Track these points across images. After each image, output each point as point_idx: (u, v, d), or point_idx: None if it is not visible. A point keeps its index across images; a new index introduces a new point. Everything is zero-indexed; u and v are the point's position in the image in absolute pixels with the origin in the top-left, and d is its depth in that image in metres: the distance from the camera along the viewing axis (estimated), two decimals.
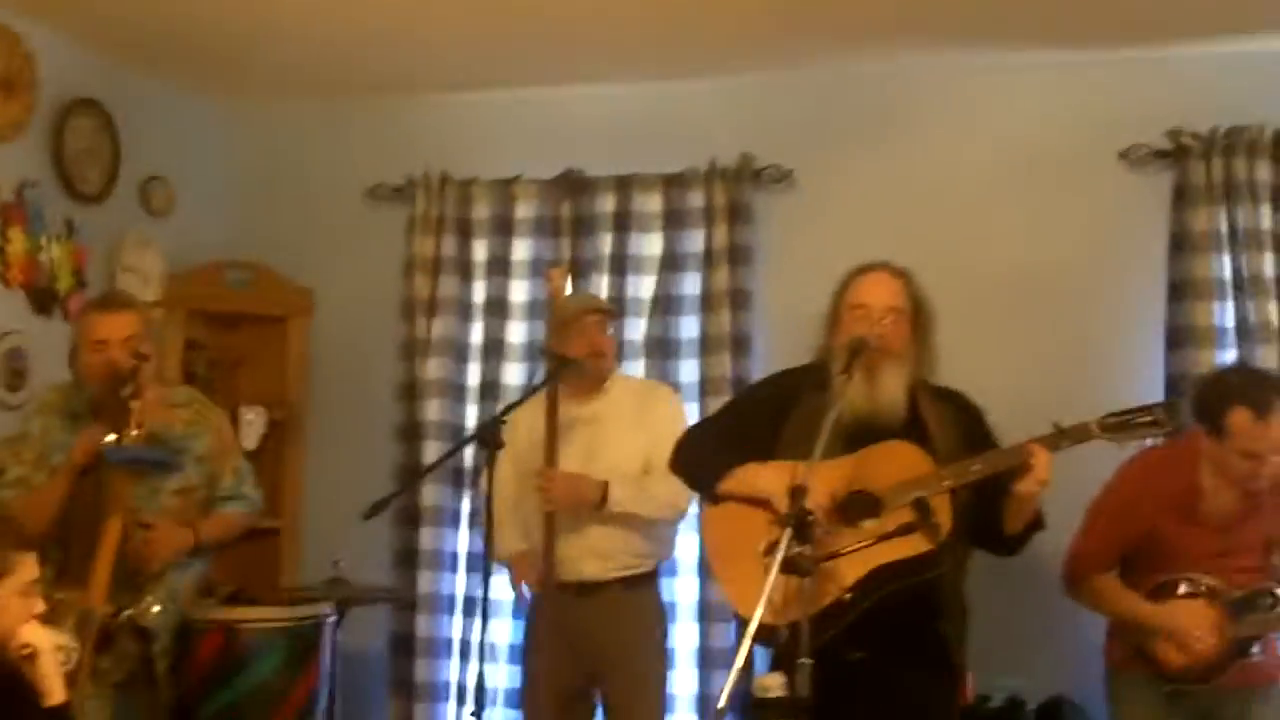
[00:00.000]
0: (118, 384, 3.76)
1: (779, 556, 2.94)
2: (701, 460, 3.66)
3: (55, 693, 2.88)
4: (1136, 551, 3.69)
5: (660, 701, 4.24)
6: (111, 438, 3.68)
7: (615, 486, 4.06)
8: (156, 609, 3.78)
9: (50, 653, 2.90)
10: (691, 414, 4.44)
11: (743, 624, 2.95)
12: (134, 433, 3.70)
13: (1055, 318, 4.49)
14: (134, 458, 3.70)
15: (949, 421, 3.49)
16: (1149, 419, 3.35)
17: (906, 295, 3.52)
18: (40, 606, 2.93)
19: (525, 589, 4.24)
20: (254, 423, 4.95)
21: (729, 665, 2.97)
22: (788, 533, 2.97)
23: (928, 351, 3.56)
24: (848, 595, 3.26)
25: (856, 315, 3.48)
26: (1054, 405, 3.38)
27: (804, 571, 2.96)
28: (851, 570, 3.28)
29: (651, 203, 4.80)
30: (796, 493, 3.04)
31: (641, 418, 4.20)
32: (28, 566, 2.91)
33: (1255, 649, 3.60)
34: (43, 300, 4.53)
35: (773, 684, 2.99)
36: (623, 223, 4.81)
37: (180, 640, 3.95)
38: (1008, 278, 4.51)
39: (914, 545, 3.26)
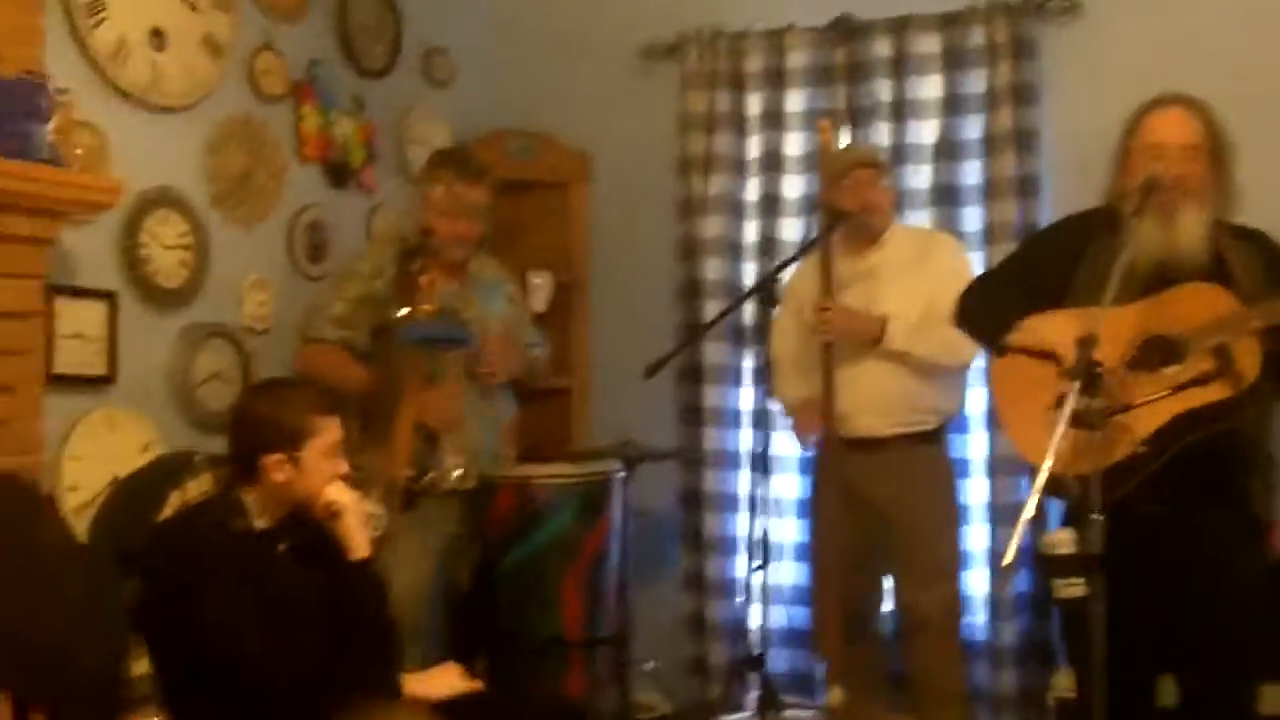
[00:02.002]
0: (409, 258, 3.89)
1: (1066, 411, 2.85)
2: (987, 312, 3.56)
3: (359, 548, 3.03)
4: None
5: (953, 559, 4.20)
6: (404, 312, 3.82)
7: (894, 324, 3.99)
8: (457, 473, 3.96)
9: (354, 511, 3.05)
10: (975, 263, 4.31)
11: (1035, 474, 2.87)
12: (427, 308, 3.84)
13: None
14: (425, 335, 3.83)
15: (1253, 262, 3.27)
16: None
17: (1204, 130, 3.30)
18: (344, 468, 3.08)
19: (808, 439, 4.23)
20: (542, 286, 5.05)
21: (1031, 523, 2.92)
22: (1075, 386, 2.87)
23: (1228, 189, 3.33)
24: (1142, 448, 3.13)
25: (1150, 155, 3.28)
26: None
27: (1093, 426, 2.87)
28: (1147, 421, 3.15)
29: (929, 44, 4.61)
30: (1084, 343, 2.93)
31: (921, 268, 4.10)
32: (332, 429, 3.05)
33: None
34: (338, 174, 4.69)
35: (1062, 540, 2.93)
36: (900, 67, 4.64)
37: (480, 498, 4.13)
38: None
39: (1213, 394, 3.10)
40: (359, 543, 3.03)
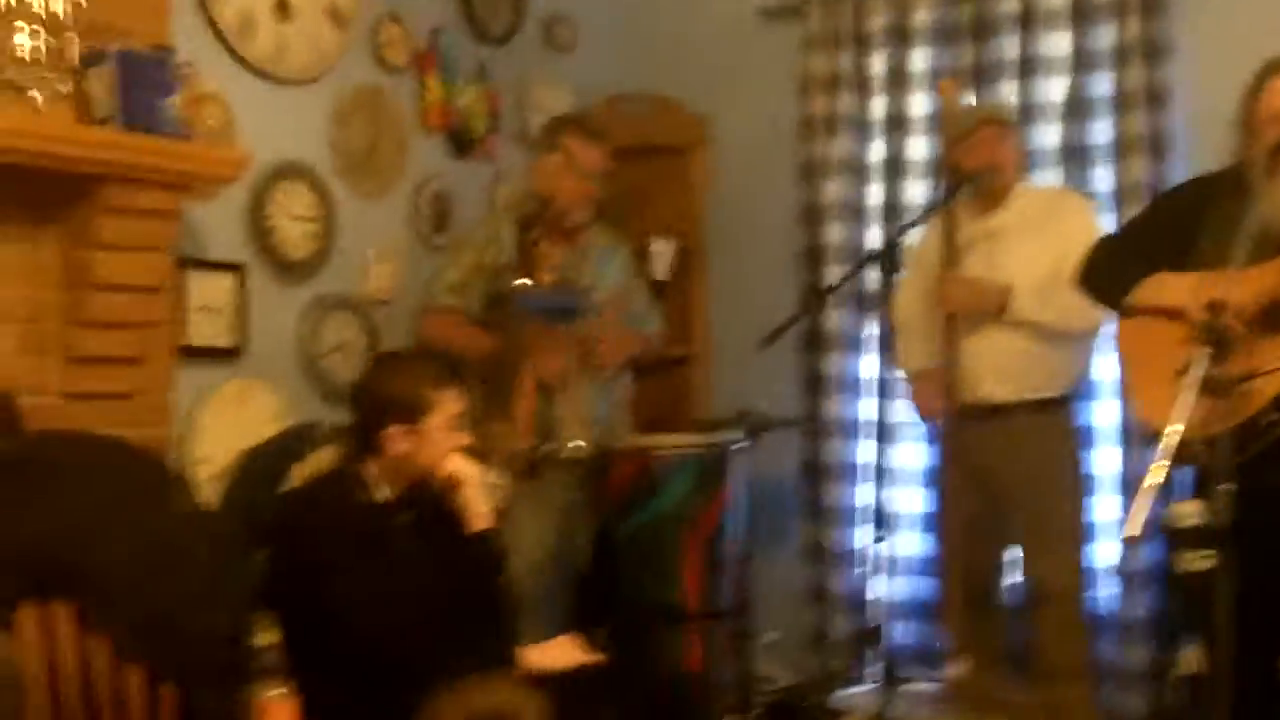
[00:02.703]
0: (527, 227, 3.92)
1: (1195, 376, 2.77)
2: (1110, 272, 3.48)
3: (481, 519, 3.06)
4: None
5: (1076, 530, 4.12)
6: (523, 281, 3.84)
7: (1018, 293, 3.91)
8: (575, 442, 3.98)
9: (475, 482, 3.09)
10: (1106, 223, 4.19)
11: (1158, 440, 2.79)
12: (546, 278, 3.86)
13: None
14: (541, 305, 3.85)
15: None
16: None
17: None
18: (465, 440, 3.11)
19: (928, 413, 4.17)
20: (663, 253, 5.03)
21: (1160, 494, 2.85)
22: (1204, 351, 2.80)
23: None
24: (1272, 414, 3.04)
25: (1275, 119, 3.18)
26: None
27: (1222, 392, 2.79)
28: (1274, 387, 3.05)
29: None
30: (1215, 307, 2.86)
31: (1049, 228, 4.00)
32: (452, 400, 3.08)
33: None
34: (461, 143, 4.72)
35: (1189, 511, 2.86)
36: (1027, 22, 4.51)
37: (599, 468, 4.15)
38: None
39: None
40: (480, 514, 3.07)
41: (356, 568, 2.88)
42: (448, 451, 3.06)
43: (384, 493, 3.05)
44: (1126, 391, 3.82)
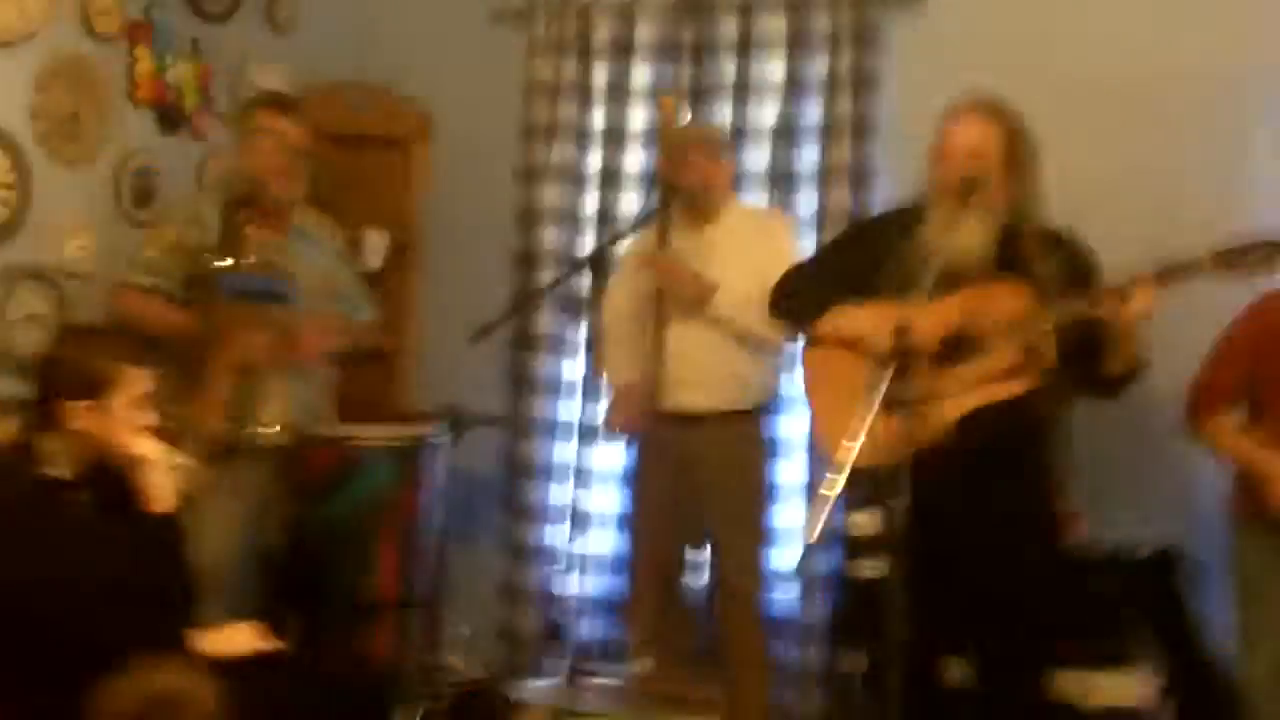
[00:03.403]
0: (234, 207, 3.84)
1: (879, 394, 2.91)
2: (799, 300, 3.64)
3: (163, 500, 2.99)
4: (1264, 394, 3.56)
5: (759, 535, 4.27)
6: (226, 263, 3.76)
7: (723, 291, 4.05)
8: (273, 429, 3.91)
9: (160, 463, 3.01)
10: (806, 247, 4.38)
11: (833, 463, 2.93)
12: (250, 260, 3.78)
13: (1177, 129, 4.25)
14: (246, 288, 3.78)
15: (1053, 262, 3.39)
16: (1265, 253, 3.19)
17: (996, 137, 3.41)
18: (151, 419, 3.02)
19: (623, 429, 4.26)
20: (377, 244, 5.00)
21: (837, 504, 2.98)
22: (889, 371, 2.94)
23: (1026, 190, 3.45)
24: (945, 437, 3.23)
25: (951, 161, 3.41)
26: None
27: (902, 411, 2.94)
28: (951, 411, 3.25)
29: (775, 26, 4.64)
30: (901, 330, 3.00)
31: (754, 245, 4.16)
32: (142, 379, 3.00)
33: None
34: (170, 119, 4.58)
35: (864, 521, 3.00)
36: (744, 47, 4.67)
37: (296, 455, 4.09)
38: (1149, 92, 4.28)
39: (1016, 387, 3.21)
40: (163, 495, 2.99)
41: (25, 546, 2.77)
42: (133, 431, 2.97)
43: (61, 470, 2.94)
44: (811, 412, 3.98)
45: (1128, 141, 4.24)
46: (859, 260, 3.45)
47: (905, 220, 3.43)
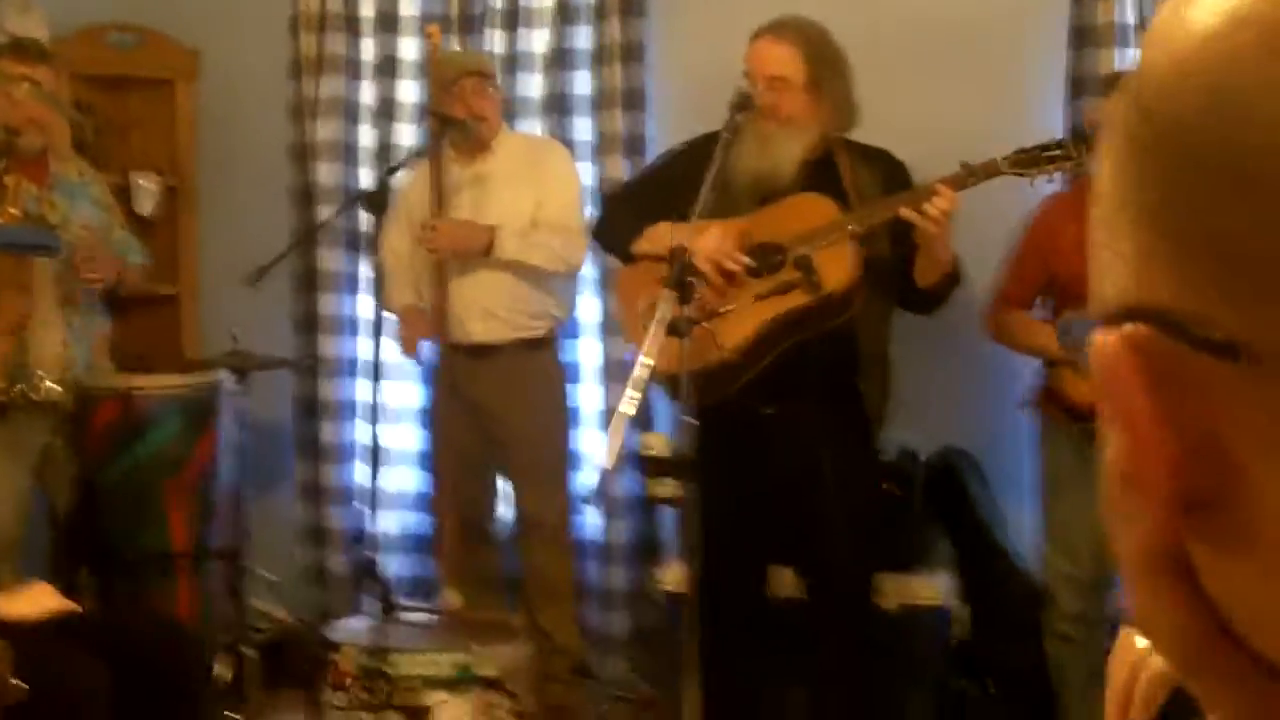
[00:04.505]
0: None
1: (658, 318, 2.97)
2: (619, 227, 3.68)
3: None
4: (1057, 292, 3.68)
5: (562, 463, 4.33)
6: None
7: (503, 233, 4.04)
8: (49, 383, 3.80)
9: None
10: (584, 172, 4.41)
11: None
12: (13, 212, 3.66)
13: (962, 66, 4.41)
14: (10, 241, 3.65)
15: (868, 177, 3.49)
16: (1058, 151, 3.31)
17: (796, 59, 3.47)
18: None
19: (412, 349, 4.26)
20: (148, 189, 4.85)
21: (632, 426, 3.01)
22: (666, 294, 2.99)
23: (838, 106, 3.52)
24: (732, 354, 3.32)
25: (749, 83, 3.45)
26: (960, 155, 3.37)
27: (682, 333, 2.99)
28: (739, 328, 3.33)
29: None
30: (675, 253, 3.05)
31: (531, 175, 4.17)
32: None
33: None
34: None
35: (655, 442, 3.07)
36: None
37: (80, 410, 3.99)
38: (916, 25, 4.41)
39: (795, 301, 3.30)
40: None
41: None
42: None
43: None
44: (622, 330, 4.02)
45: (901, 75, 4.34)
46: (675, 186, 3.43)
47: (711, 145, 3.37)
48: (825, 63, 3.52)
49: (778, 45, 3.48)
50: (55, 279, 3.87)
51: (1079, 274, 3.54)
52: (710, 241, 3.34)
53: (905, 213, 3.30)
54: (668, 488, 3.01)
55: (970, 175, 3.33)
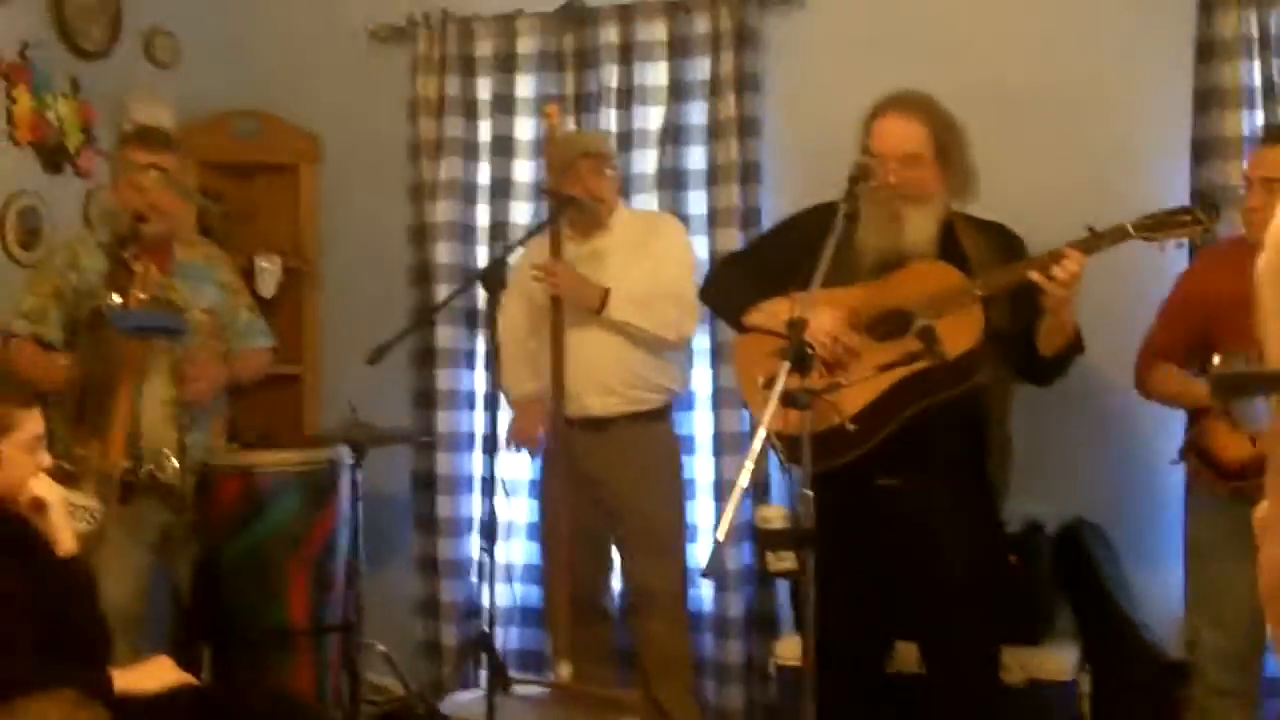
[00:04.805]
0: (120, 245, 3.81)
1: (776, 390, 2.94)
2: (730, 291, 3.68)
3: (65, 543, 2.97)
4: (1213, 347, 3.54)
5: (678, 534, 4.31)
6: (117, 300, 3.73)
7: (617, 295, 4.06)
8: (174, 463, 3.88)
9: (60, 505, 2.98)
10: (699, 245, 4.42)
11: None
12: (141, 296, 3.75)
13: (1079, 133, 4.35)
14: (139, 325, 3.75)
15: (988, 248, 3.46)
16: (1187, 217, 3.29)
17: (924, 134, 3.45)
18: (47, 461, 3.00)
19: (527, 444, 4.29)
20: (270, 271, 4.97)
21: (748, 498, 2.97)
22: (784, 366, 2.97)
23: (962, 178, 3.50)
24: (850, 424, 3.27)
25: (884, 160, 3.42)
26: (1079, 225, 3.33)
27: (801, 405, 2.96)
28: (860, 398, 3.28)
29: (656, 31, 4.67)
30: (794, 325, 3.02)
31: (646, 248, 4.20)
32: (33, 421, 2.98)
33: None
34: (53, 158, 4.54)
35: (773, 515, 3.02)
36: (626, 53, 4.70)
37: (202, 488, 4.06)
38: (1028, 93, 4.37)
39: (918, 369, 3.24)
40: (65, 538, 2.98)
41: None
42: (30, 474, 2.96)
43: None
44: (744, 399, 3.99)
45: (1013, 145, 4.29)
46: (788, 255, 3.41)
47: (828, 215, 3.33)
48: (950, 135, 3.50)
49: (907, 122, 3.46)
50: (174, 371, 3.96)
51: (1236, 329, 3.45)
52: (825, 318, 3.31)
53: (1034, 276, 3.25)
54: (785, 560, 2.95)
55: (1098, 240, 3.28)
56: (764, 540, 3.08)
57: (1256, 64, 4.07)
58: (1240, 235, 3.56)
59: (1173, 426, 4.03)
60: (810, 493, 2.98)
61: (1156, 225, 3.29)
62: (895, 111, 3.48)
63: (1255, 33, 4.07)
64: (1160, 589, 4.15)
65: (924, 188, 3.46)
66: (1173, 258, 3.51)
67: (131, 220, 3.91)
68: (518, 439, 4.32)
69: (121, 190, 4.06)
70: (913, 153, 3.43)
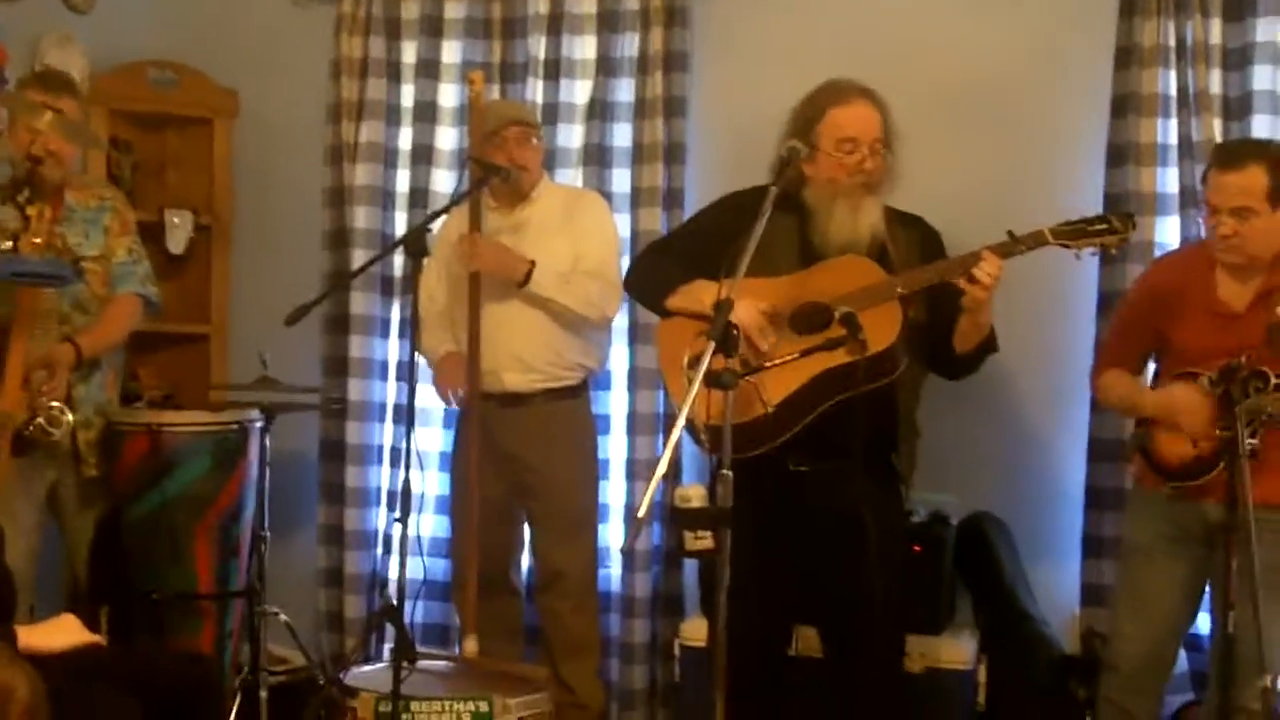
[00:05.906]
0: (14, 188, 3.70)
1: (701, 370, 2.94)
2: (654, 275, 3.66)
3: None
4: (1158, 354, 3.65)
5: (591, 513, 4.31)
6: (7, 245, 3.61)
7: (541, 269, 4.04)
8: (69, 418, 3.77)
9: None
10: (621, 224, 4.41)
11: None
12: (36, 241, 3.64)
13: (1000, 131, 4.40)
14: (27, 270, 3.63)
15: (908, 242, 3.50)
16: (1104, 226, 3.35)
17: (881, 121, 3.47)
18: None
19: (450, 396, 4.24)
20: (180, 226, 4.86)
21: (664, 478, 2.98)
22: (710, 346, 2.97)
23: (894, 175, 3.53)
24: (773, 408, 3.29)
25: (845, 149, 3.43)
26: (996, 224, 3.37)
27: (725, 385, 2.96)
28: (783, 383, 3.30)
29: (585, 4, 4.64)
30: (720, 306, 3.02)
31: (569, 226, 4.17)
32: None
33: (1252, 441, 3.24)
34: None
35: (693, 494, 3.01)
36: (555, 24, 4.65)
37: (106, 445, 3.96)
38: (951, 91, 4.41)
39: (840, 359, 3.27)
40: None
41: None
42: None
43: None
44: (665, 384, 3.98)
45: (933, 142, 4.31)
46: (714, 240, 3.35)
47: (759, 200, 3.21)
48: (894, 128, 3.53)
49: (873, 110, 3.48)
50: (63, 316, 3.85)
51: (1182, 333, 3.51)
52: (743, 311, 3.30)
53: (955, 278, 3.29)
54: (703, 540, 2.95)
55: (1016, 244, 3.33)
56: (682, 519, 3.07)
57: (1173, 73, 4.16)
58: (1198, 242, 3.65)
59: (1076, 426, 4.15)
60: (729, 474, 2.98)
61: (1074, 233, 3.35)
62: (863, 99, 3.49)
63: (1173, 42, 4.15)
64: (1057, 584, 4.26)
65: (881, 176, 3.49)
66: (1086, 260, 3.57)
67: (26, 163, 3.79)
68: (443, 390, 4.27)
69: (18, 133, 3.92)
70: (879, 138, 3.46)
